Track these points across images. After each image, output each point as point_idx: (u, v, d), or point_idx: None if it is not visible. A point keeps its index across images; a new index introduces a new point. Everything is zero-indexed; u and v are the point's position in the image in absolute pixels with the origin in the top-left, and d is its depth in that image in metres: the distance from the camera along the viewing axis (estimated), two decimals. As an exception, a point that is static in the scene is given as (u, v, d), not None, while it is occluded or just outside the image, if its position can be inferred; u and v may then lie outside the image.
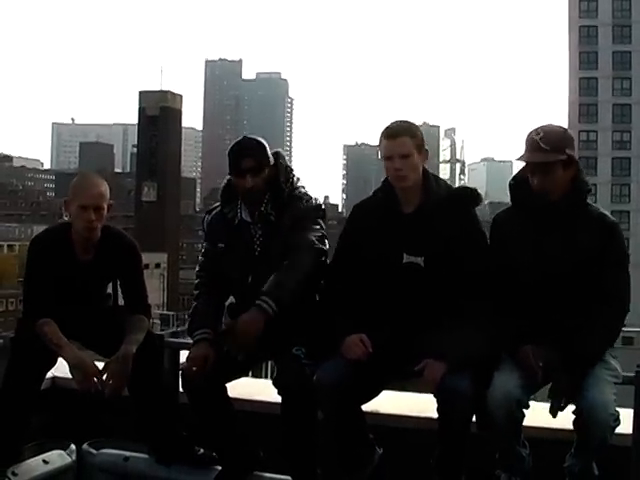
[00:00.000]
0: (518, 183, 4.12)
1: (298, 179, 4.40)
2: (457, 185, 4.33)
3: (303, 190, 4.38)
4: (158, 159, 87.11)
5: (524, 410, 3.83)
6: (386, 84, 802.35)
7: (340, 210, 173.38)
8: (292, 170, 4.40)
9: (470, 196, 4.15)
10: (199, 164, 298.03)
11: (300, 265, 4.16)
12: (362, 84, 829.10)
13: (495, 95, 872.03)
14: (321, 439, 4.19)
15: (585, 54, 79.32)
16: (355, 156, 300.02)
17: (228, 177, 4.42)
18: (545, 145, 3.90)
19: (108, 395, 4.20)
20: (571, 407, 3.78)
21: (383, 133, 4.13)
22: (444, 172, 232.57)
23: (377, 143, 4.15)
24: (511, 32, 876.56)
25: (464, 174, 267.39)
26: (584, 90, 79.38)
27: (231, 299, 4.50)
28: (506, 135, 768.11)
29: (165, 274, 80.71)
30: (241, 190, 4.30)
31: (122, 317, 4.49)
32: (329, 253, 4.30)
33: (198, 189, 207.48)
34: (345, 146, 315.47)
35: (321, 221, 4.33)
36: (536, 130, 3.98)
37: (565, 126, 4.18)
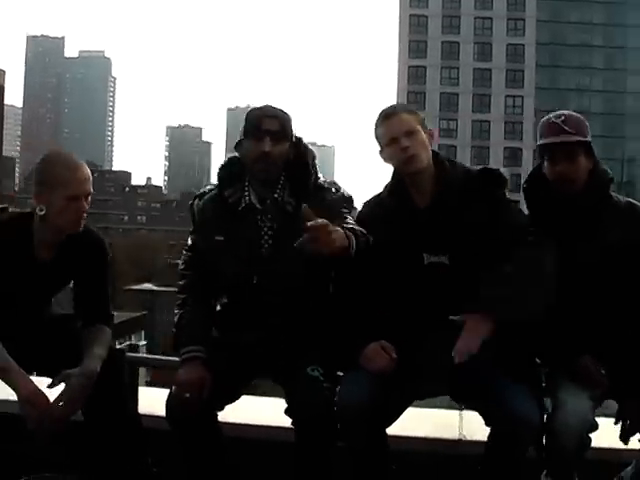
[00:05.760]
0: (532, 183, 3.65)
1: (319, 166, 3.68)
2: None
3: (329, 179, 3.69)
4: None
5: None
6: (209, 65, 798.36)
7: (164, 192, 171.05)
8: (315, 157, 3.68)
9: (495, 177, 3.53)
10: (18, 143, 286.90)
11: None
12: (185, 65, 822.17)
13: (321, 79, 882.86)
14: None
15: (415, 43, 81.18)
16: (178, 137, 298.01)
17: (230, 155, 3.68)
18: (569, 128, 3.47)
19: (60, 417, 3.36)
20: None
21: (379, 118, 3.55)
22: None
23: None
24: (340, 18, 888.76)
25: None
26: (413, 78, 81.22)
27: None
28: (330, 120, 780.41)
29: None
30: (255, 156, 3.52)
31: (72, 327, 3.70)
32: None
33: (17, 169, 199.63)
34: (168, 127, 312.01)
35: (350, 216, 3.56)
36: (556, 114, 3.55)
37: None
